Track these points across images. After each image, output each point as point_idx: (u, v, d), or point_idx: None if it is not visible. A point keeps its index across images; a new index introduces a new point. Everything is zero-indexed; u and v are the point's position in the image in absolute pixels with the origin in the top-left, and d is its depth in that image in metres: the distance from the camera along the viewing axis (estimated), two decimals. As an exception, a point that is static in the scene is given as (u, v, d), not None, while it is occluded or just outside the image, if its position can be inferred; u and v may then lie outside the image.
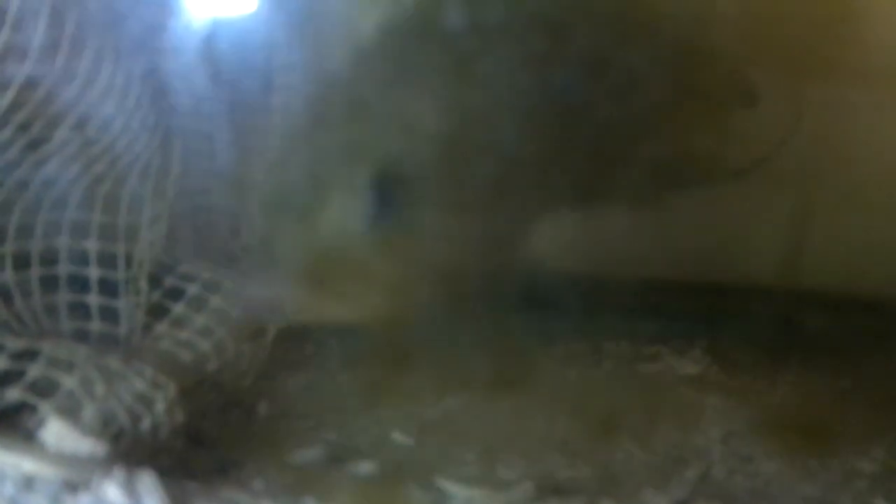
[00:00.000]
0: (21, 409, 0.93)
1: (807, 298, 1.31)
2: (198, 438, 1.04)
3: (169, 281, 1.15)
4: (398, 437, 1.08)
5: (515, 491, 0.92)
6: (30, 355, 0.98)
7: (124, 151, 1.11)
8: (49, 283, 1.11)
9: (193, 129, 1.24)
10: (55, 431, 0.89)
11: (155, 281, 1.14)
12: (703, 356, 1.30)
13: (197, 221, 1.24)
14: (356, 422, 1.11)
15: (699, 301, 1.38)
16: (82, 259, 1.12)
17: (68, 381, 0.97)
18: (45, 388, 0.97)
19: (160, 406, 1.01)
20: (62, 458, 0.88)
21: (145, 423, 1.00)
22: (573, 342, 1.31)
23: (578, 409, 1.15)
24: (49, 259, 1.12)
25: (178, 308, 1.14)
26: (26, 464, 0.86)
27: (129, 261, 1.13)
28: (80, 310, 1.11)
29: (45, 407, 0.92)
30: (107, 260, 1.12)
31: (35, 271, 1.10)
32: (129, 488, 0.83)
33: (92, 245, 1.12)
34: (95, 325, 1.10)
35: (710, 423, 1.13)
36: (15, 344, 0.99)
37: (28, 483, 0.85)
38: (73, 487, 0.85)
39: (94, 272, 1.12)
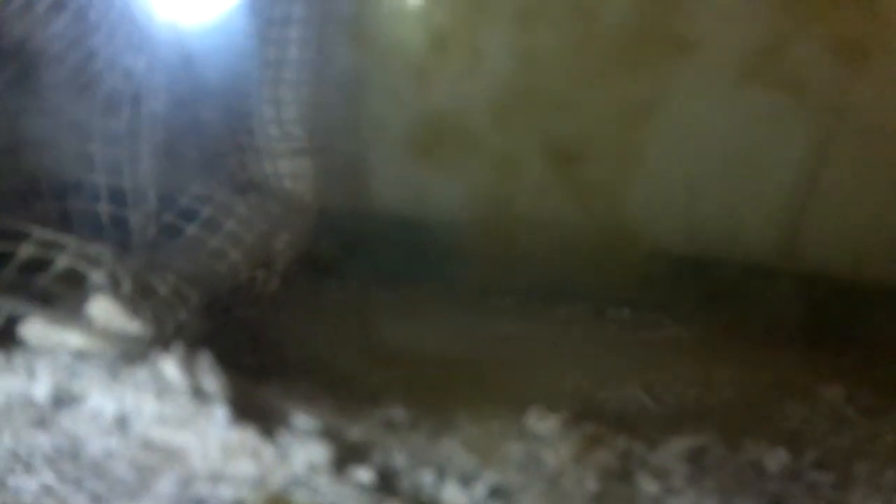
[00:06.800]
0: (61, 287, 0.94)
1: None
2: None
3: (183, 201, 1.17)
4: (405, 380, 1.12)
5: (562, 413, 0.96)
6: (57, 247, 1.00)
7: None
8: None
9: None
10: (103, 307, 0.91)
11: (168, 200, 1.16)
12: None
13: (204, 152, 1.27)
14: (365, 360, 1.15)
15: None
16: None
17: (96, 276, 0.99)
18: (71, 281, 0.99)
19: (183, 314, 1.04)
20: (115, 334, 0.89)
21: (169, 329, 1.02)
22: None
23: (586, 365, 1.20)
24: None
25: (192, 229, 1.16)
26: (77, 338, 0.88)
27: (134, 171, 1.14)
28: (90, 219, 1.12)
29: (91, 279, 0.93)
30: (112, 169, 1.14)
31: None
32: (188, 366, 0.86)
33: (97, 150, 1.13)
34: (108, 234, 1.11)
35: (721, 385, 1.19)
36: (41, 233, 1.00)
37: (81, 354, 0.86)
38: (129, 360, 0.86)
39: (100, 179, 1.12)
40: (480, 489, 0.81)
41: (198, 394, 0.85)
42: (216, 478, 0.79)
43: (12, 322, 0.92)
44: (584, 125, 1.44)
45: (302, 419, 0.85)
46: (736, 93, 1.41)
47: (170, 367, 0.87)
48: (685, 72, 1.41)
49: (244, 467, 0.79)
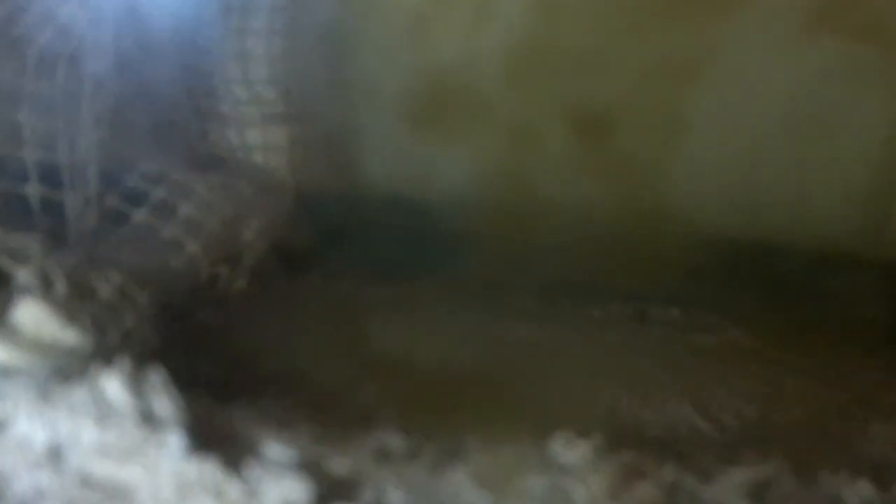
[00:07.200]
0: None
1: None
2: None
3: (130, 181, 1.15)
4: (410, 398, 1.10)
5: (594, 439, 0.94)
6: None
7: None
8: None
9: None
10: (32, 313, 0.89)
11: (112, 180, 1.13)
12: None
13: (157, 120, 1.24)
14: (354, 374, 1.13)
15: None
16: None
17: (23, 275, 0.96)
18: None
19: (129, 319, 1.01)
20: (47, 346, 0.87)
21: (112, 339, 0.99)
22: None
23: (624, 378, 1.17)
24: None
25: (140, 214, 1.13)
26: (0, 351, 0.86)
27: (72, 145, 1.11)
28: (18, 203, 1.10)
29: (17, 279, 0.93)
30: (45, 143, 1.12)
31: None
32: (136, 385, 0.85)
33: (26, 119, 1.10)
34: (38, 220, 1.08)
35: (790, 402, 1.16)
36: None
37: (6, 371, 0.84)
38: (64, 377, 0.85)
39: (29, 154, 1.10)
40: (494, 531, 0.79)
41: (147, 418, 0.83)
42: (170, 521, 0.76)
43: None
44: (617, 87, 1.42)
45: (275, 448, 0.84)
46: (801, 46, 1.38)
47: (113, 385, 0.84)
48: (738, 21, 1.39)
49: (204, 508, 0.76)
